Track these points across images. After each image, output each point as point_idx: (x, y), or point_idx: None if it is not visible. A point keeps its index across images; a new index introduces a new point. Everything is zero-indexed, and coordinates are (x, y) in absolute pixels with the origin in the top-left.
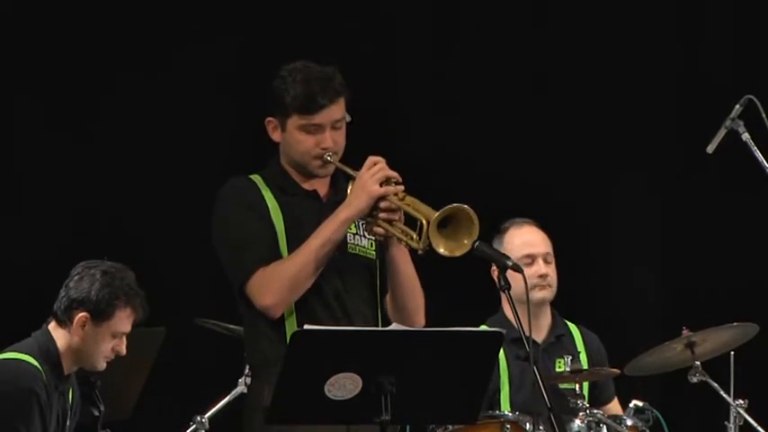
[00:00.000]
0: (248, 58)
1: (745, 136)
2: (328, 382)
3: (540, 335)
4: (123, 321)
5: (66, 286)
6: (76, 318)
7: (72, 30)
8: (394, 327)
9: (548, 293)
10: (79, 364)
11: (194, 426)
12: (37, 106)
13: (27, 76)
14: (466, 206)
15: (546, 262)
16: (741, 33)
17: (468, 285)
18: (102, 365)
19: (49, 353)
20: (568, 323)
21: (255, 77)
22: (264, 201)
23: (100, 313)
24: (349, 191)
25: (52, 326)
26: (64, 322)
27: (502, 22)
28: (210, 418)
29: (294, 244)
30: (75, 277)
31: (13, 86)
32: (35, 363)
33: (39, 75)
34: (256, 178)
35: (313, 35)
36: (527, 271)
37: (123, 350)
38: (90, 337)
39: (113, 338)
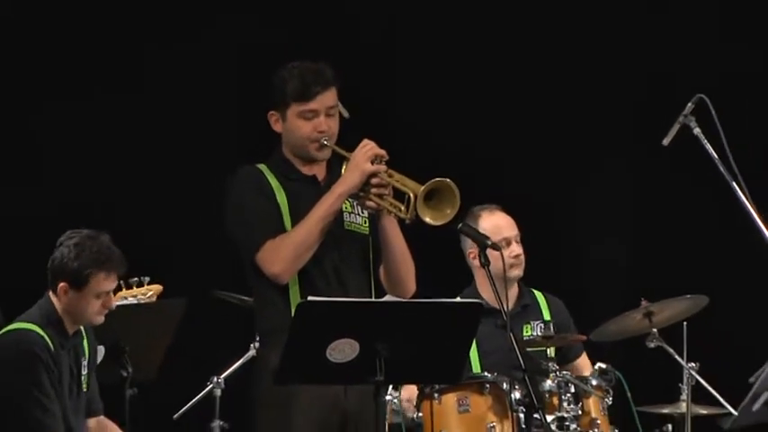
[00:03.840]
0: (250, 57)
1: (697, 130)
2: (329, 347)
3: (506, 304)
4: (101, 283)
5: (51, 257)
6: (59, 287)
7: (93, 24)
8: (387, 298)
9: (521, 271)
10: (77, 323)
11: (211, 385)
12: (59, 93)
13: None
14: (448, 180)
15: (517, 243)
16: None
17: (437, 263)
18: (98, 321)
19: (50, 317)
20: (534, 291)
21: (260, 74)
22: (270, 185)
23: (76, 281)
24: (343, 170)
25: (51, 293)
26: (54, 290)
27: (483, 10)
28: (226, 379)
29: (297, 221)
30: (57, 249)
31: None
32: (35, 329)
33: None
34: (262, 167)
35: (310, 28)
36: (505, 252)
37: (112, 305)
38: (74, 301)
39: (98, 298)
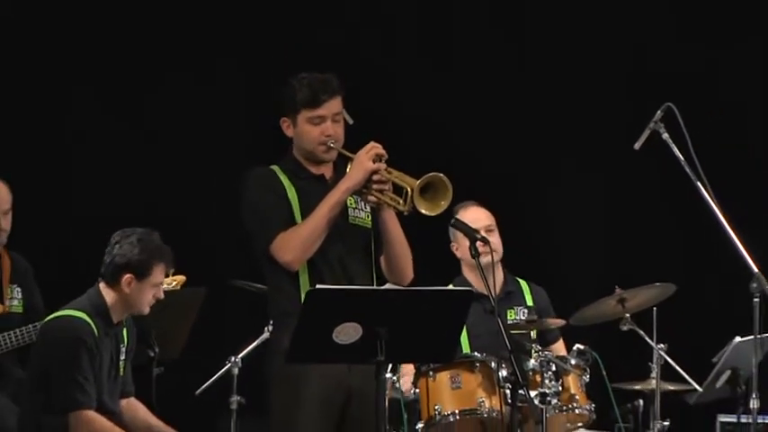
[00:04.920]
0: (261, 72)
1: (665, 136)
2: (335, 330)
3: (493, 290)
4: (159, 274)
5: (109, 253)
6: (123, 279)
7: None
8: (388, 286)
9: (489, 258)
10: (129, 311)
11: (230, 364)
12: (95, 105)
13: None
14: (441, 174)
15: (488, 231)
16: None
17: (432, 253)
18: (147, 310)
19: (99, 307)
20: (519, 279)
21: (266, 84)
22: (282, 183)
23: (141, 272)
24: (348, 169)
25: (102, 286)
26: (112, 283)
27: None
28: (242, 358)
29: (306, 215)
30: (116, 246)
31: (72, 80)
32: (84, 316)
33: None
34: (274, 167)
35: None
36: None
37: (161, 295)
38: (136, 291)
39: (153, 288)
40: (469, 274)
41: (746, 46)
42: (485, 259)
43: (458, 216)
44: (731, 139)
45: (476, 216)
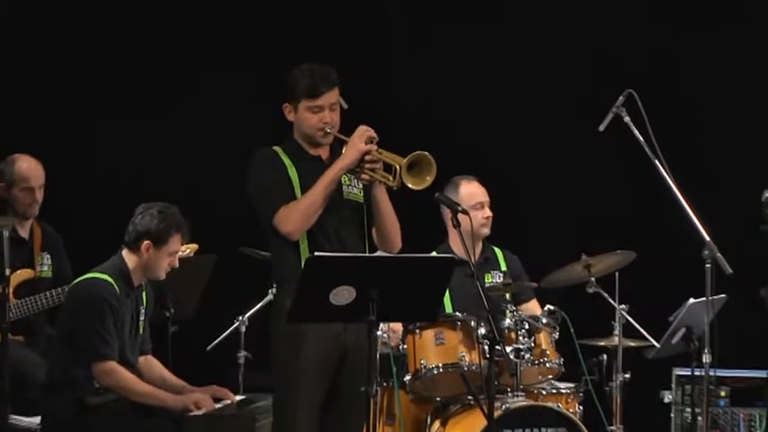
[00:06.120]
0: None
1: (627, 119)
2: (332, 293)
3: (473, 257)
4: (175, 244)
5: (132, 222)
6: (143, 245)
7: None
8: (379, 254)
9: (488, 230)
10: (146, 276)
11: (237, 323)
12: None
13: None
14: (427, 153)
15: (488, 207)
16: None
17: (417, 222)
18: (163, 276)
19: (122, 271)
20: (494, 247)
21: (275, 74)
22: (284, 163)
23: (159, 240)
24: (344, 150)
25: (125, 252)
26: (133, 249)
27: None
28: (249, 318)
29: (305, 191)
30: (139, 216)
31: (95, 66)
32: (109, 279)
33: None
34: (276, 148)
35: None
36: (479, 214)
37: (176, 264)
38: (153, 257)
39: (169, 256)
40: (454, 242)
41: (716, 31)
42: (484, 230)
43: (459, 187)
44: (689, 120)
45: (474, 190)
